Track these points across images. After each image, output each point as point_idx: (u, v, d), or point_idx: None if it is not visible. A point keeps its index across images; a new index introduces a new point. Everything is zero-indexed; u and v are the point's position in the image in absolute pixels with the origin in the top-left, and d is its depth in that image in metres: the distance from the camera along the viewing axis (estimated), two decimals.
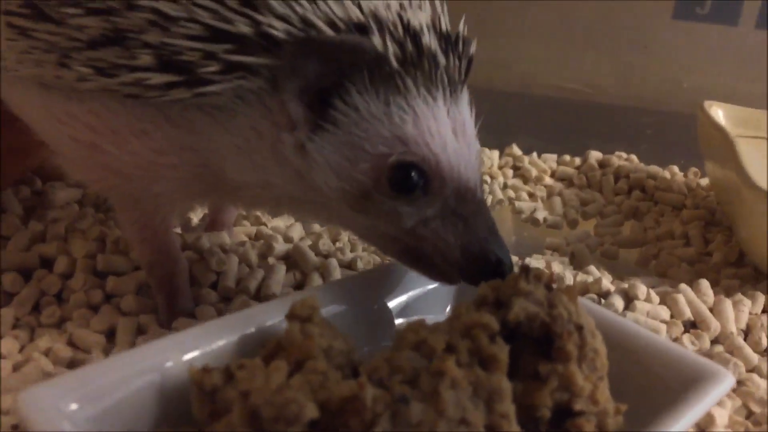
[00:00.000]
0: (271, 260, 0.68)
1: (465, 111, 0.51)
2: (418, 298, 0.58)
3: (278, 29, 0.45)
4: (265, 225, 0.78)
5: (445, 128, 0.48)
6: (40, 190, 0.79)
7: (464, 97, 0.51)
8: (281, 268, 0.66)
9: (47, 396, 0.39)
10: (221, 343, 0.46)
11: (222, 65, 0.45)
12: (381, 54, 0.46)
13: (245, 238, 0.74)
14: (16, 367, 0.53)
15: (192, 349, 0.45)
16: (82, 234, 0.68)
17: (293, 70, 0.45)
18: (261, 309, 0.50)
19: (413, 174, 0.47)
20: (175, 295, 0.60)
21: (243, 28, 0.45)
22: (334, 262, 0.68)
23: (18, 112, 0.56)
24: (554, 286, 0.50)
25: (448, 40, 0.50)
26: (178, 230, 0.72)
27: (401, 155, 0.47)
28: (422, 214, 0.48)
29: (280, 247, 0.70)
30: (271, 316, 0.49)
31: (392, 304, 0.57)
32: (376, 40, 0.46)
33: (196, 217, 0.78)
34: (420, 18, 0.48)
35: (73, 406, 0.40)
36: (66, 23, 0.47)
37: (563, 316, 0.46)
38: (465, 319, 0.45)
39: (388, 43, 0.46)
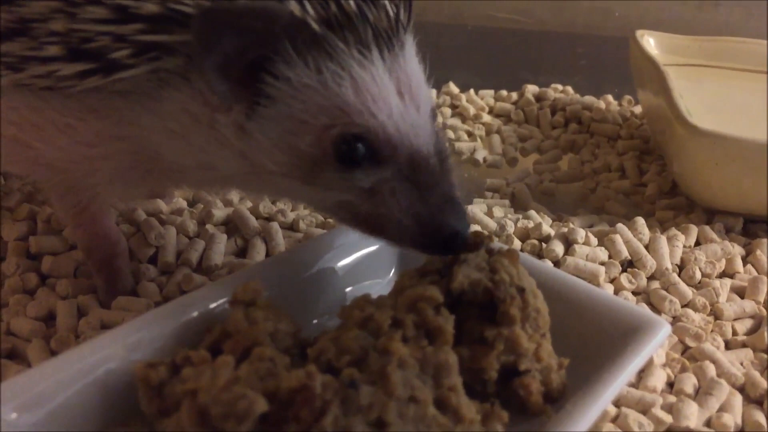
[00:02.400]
0: (210, 228, 0.67)
1: (411, 67, 0.47)
2: (362, 262, 0.58)
3: (187, 3, 0.42)
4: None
5: (388, 91, 0.45)
6: None
7: (408, 50, 0.47)
8: (222, 238, 0.65)
9: None
10: (164, 332, 0.46)
11: (134, 47, 0.42)
12: (298, 18, 0.43)
13: (183, 203, 0.72)
14: None
15: (134, 342, 0.44)
16: (10, 213, 0.66)
17: (207, 47, 0.42)
18: (202, 293, 0.49)
19: (359, 146, 0.45)
20: (116, 277, 0.58)
21: (150, 6, 0.42)
22: (275, 225, 0.67)
23: None
24: (495, 247, 0.50)
25: None
26: None
27: (344, 127, 0.44)
28: (375, 178, 0.46)
29: (220, 212, 0.69)
30: (213, 299, 0.48)
31: (338, 270, 0.57)
32: (292, 4, 0.42)
33: None
34: None
35: (14, 415, 0.39)
36: None
37: (505, 281, 0.47)
38: (409, 292, 0.45)
39: (307, 5, 0.43)
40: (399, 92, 0.46)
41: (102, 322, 0.55)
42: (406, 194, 0.46)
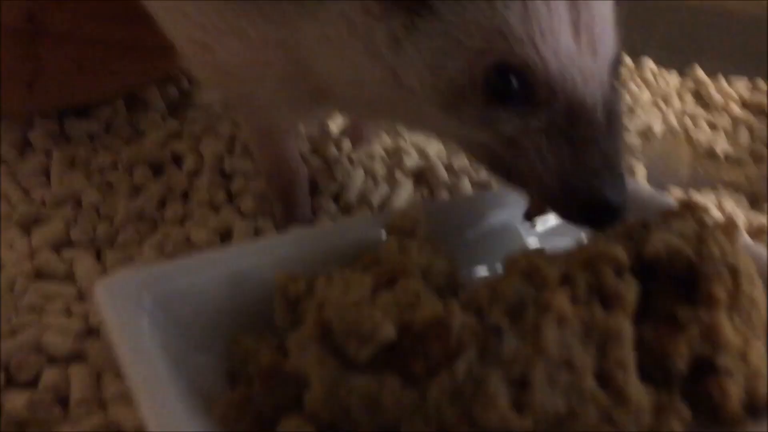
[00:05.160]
0: (399, 175, 0.64)
1: (598, 3, 0.41)
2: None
3: None
4: (404, 139, 0.73)
5: (562, 24, 0.40)
6: (186, 89, 0.79)
7: None
8: (408, 185, 0.62)
9: (126, 288, 0.38)
10: (315, 252, 0.43)
11: None
12: None
13: (379, 149, 0.70)
14: (130, 259, 0.53)
15: (282, 256, 0.42)
16: (215, 135, 0.68)
17: None
18: (360, 219, 0.46)
19: (512, 80, 0.40)
20: (293, 205, 0.58)
21: None
22: (465, 180, 0.62)
23: (151, 12, 0.55)
24: (708, 221, 0.41)
25: None
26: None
27: (500, 55, 0.39)
28: (523, 124, 0.41)
29: (411, 162, 0.65)
30: (371, 228, 0.44)
31: (521, 227, 0.51)
32: None
33: (336, 126, 0.75)
34: None
35: (151, 302, 0.38)
36: None
37: (714, 255, 0.38)
38: (589, 247, 0.38)
39: None
40: (575, 28, 0.40)
41: None
42: (555, 149, 0.40)
